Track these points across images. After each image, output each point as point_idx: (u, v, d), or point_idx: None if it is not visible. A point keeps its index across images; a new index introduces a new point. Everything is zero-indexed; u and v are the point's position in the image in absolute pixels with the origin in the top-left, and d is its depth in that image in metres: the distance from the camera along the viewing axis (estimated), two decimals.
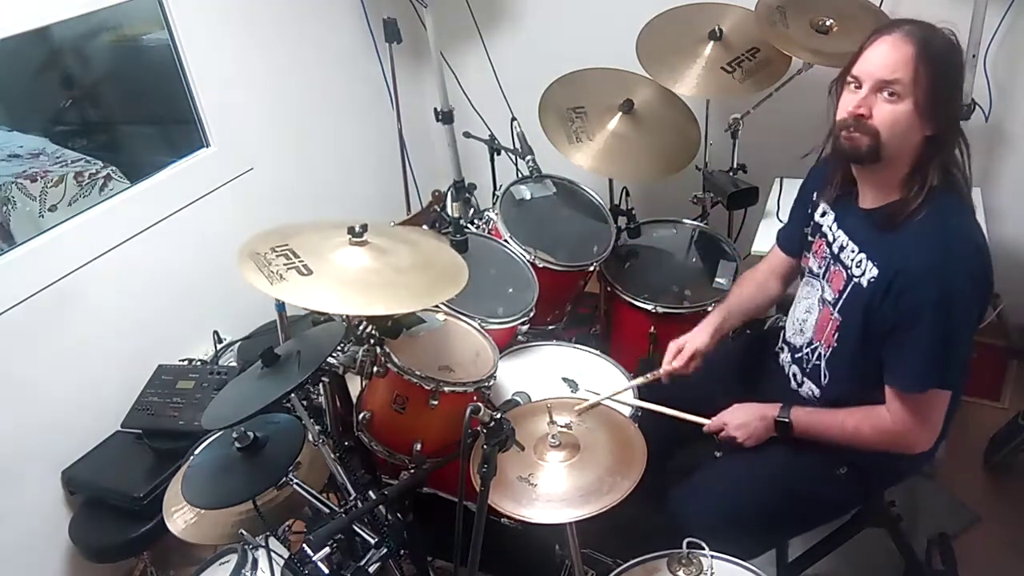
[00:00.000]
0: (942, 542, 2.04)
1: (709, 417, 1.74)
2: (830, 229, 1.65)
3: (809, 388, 1.69)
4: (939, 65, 1.41)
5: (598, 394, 1.75)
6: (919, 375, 1.46)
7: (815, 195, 1.73)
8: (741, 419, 1.68)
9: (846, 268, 1.57)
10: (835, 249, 1.62)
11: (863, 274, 1.52)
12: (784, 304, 2.42)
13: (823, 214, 1.69)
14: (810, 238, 1.74)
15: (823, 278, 1.65)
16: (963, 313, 1.43)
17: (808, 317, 1.68)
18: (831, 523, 1.86)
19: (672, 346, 1.84)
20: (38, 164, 2.27)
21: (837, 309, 1.58)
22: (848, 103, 1.47)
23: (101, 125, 2.61)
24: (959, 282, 1.41)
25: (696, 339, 1.82)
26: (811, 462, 1.65)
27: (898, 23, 1.45)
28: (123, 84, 2.59)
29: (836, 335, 1.59)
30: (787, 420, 1.62)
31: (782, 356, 1.79)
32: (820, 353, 1.64)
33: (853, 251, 1.56)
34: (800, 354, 1.71)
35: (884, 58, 1.42)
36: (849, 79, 1.48)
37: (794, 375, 1.73)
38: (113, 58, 2.54)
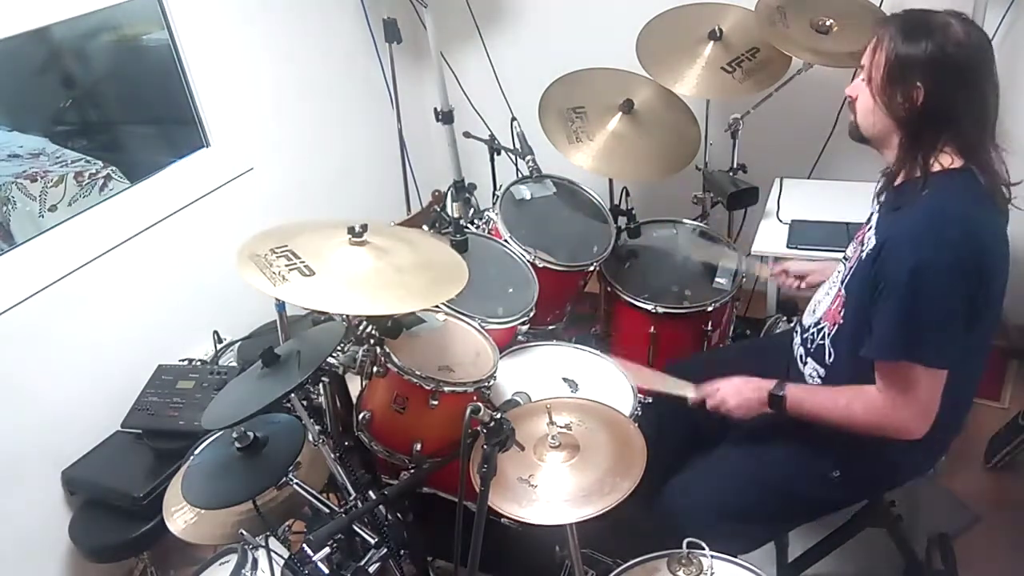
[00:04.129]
0: (942, 542, 2.03)
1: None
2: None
3: (813, 368, 1.68)
4: (897, 55, 1.44)
5: None
6: (888, 343, 1.44)
7: None
8: (736, 387, 1.68)
9: (862, 245, 1.59)
10: (865, 228, 1.64)
11: (866, 248, 1.54)
12: (786, 305, 2.43)
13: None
14: None
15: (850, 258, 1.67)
16: (936, 284, 1.39)
17: (825, 298, 1.69)
18: (831, 523, 1.86)
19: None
20: (38, 164, 2.27)
21: (844, 285, 1.60)
22: None
23: (101, 125, 2.61)
24: (933, 251, 1.39)
25: (797, 264, 2.03)
26: (803, 463, 1.65)
27: (897, 15, 1.50)
28: (123, 84, 2.58)
29: (842, 312, 1.59)
30: (781, 394, 1.62)
31: (795, 340, 1.79)
32: (825, 332, 1.64)
33: (870, 227, 1.59)
34: (807, 334, 1.72)
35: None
36: None
37: (800, 356, 1.74)
38: (113, 58, 2.54)
